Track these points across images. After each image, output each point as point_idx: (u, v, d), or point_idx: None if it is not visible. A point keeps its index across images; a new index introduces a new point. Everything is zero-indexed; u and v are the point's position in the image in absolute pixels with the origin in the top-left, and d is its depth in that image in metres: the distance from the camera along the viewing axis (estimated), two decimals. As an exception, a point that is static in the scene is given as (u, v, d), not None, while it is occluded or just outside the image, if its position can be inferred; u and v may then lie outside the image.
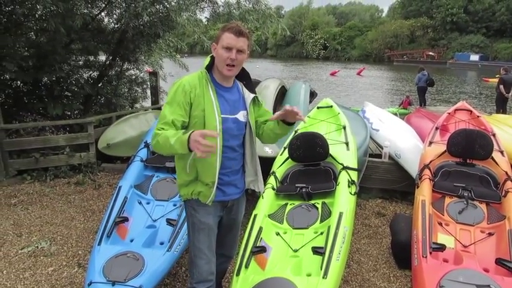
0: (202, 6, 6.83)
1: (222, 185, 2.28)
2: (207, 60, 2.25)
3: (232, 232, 2.58)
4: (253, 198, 3.40)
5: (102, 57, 7.41)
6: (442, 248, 2.82)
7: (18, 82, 6.30)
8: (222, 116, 2.18)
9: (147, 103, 8.94)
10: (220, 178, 2.25)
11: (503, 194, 3.44)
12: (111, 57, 7.21)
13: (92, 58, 7.25)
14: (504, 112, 11.30)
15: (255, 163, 2.40)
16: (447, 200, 3.48)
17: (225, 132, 2.19)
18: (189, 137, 1.88)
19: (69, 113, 6.75)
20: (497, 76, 28.27)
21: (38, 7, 5.72)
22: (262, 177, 2.47)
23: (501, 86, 11.58)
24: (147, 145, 4.39)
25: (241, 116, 2.29)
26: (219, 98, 2.20)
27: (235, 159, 2.31)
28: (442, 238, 3.06)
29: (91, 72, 7.35)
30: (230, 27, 2.14)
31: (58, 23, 5.51)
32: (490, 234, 3.07)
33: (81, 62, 7.17)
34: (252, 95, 2.36)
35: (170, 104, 2.13)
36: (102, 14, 6.69)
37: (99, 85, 7.22)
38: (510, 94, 11.56)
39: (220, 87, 2.25)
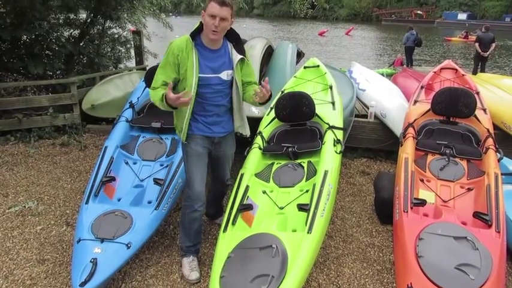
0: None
1: (208, 124, 2.70)
2: (196, 25, 2.60)
3: (224, 163, 3.00)
4: (240, 158, 3.43)
5: (83, 15, 7.12)
6: (422, 203, 2.92)
7: (-4, 40, 6.07)
8: (201, 75, 2.55)
9: (132, 63, 8.73)
10: (205, 117, 2.68)
11: (484, 150, 3.51)
12: (92, 15, 6.93)
13: (72, 16, 6.96)
14: (482, 71, 11.36)
15: (242, 113, 2.83)
16: (429, 158, 3.55)
17: (206, 87, 2.60)
18: (165, 98, 2.43)
19: (51, 73, 6.56)
20: (459, 36, 28.30)
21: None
22: (248, 123, 2.92)
23: (476, 44, 11.61)
24: (132, 105, 4.32)
25: (224, 75, 2.64)
26: (203, 59, 2.57)
27: (221, 106, 2.72)
28: (423, 194, 3.15)
29: (72, 30, 7.08)
30: None
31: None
32: (469, 189, 3.18)
33: (61, 20, 6.88)
34: (240, 56, 2.67)
35: (162, 66, 2.60)
36: (81, -33, 6.37)
37: (81, 44, 6.98)
38: (488, 53, 11.55)
39: (206, 49, 2.60)
